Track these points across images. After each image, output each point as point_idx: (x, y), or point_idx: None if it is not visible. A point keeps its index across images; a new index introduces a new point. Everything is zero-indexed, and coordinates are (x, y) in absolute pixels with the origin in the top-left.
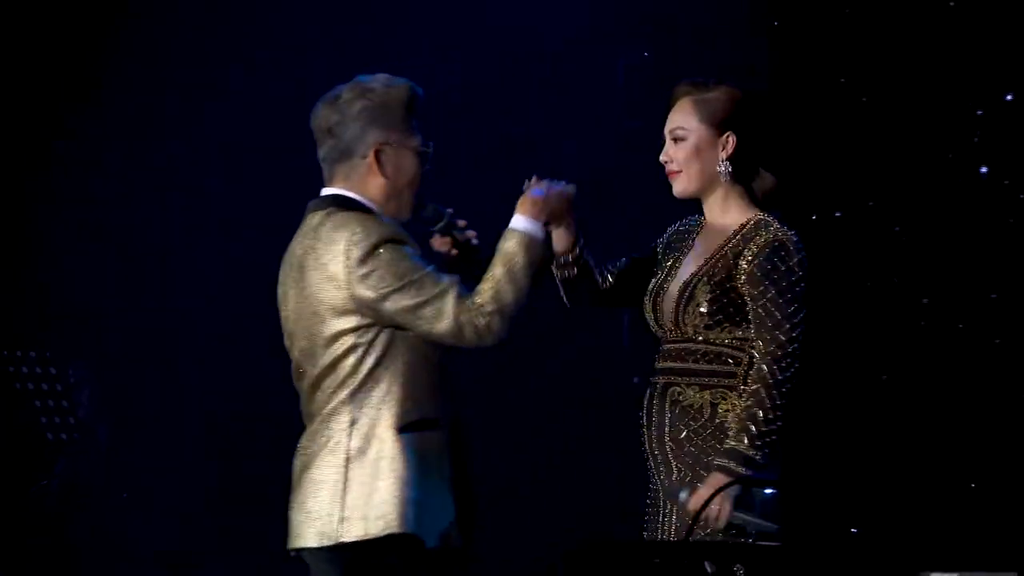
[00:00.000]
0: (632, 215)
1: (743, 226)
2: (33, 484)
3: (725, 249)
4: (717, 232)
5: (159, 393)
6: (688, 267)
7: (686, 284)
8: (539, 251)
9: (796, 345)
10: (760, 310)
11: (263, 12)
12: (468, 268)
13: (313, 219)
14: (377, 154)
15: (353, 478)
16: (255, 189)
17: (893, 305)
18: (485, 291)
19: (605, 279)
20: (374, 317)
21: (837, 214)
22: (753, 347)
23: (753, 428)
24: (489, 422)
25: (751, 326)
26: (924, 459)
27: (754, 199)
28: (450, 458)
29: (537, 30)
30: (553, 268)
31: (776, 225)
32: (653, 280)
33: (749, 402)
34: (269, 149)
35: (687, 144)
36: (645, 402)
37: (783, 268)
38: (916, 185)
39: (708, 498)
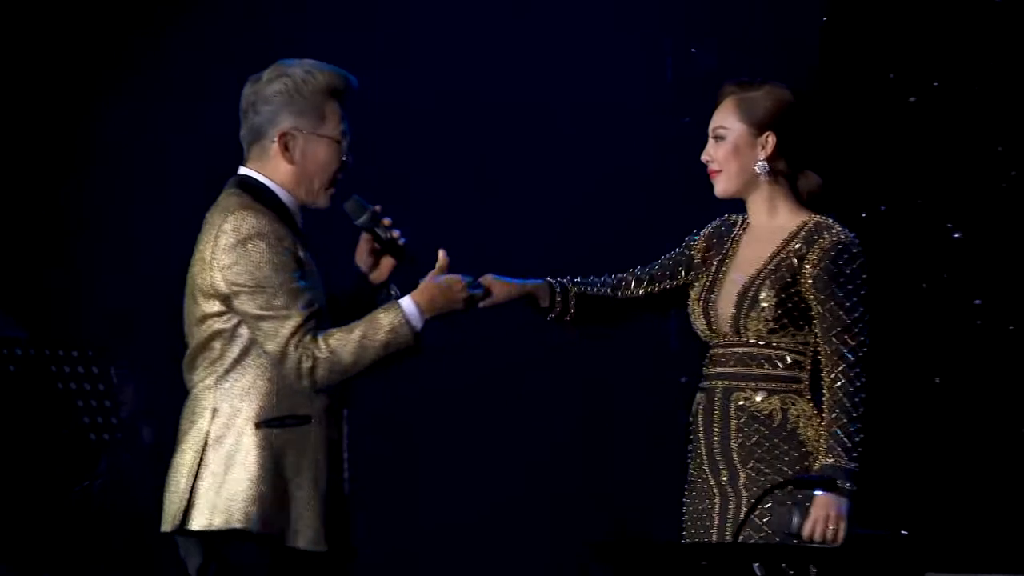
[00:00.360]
0: (681, 213)
1: (800, 228)
2: (76, 484)
3: (786, 251)
4: (768, 233)
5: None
6: (742, 270)
7: (746, 288)
8: (405, 338)
9: (865, 349)
10: (828, 314)
11: (310, 13)
12: (403, 271)
13: (220, 195)
14: (284, 139)
15: (207, 466)
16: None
17: (945, 306)
18: (332, 339)
19: (633, 289)
20: (230, 309)
21: (882, 208)
22: (818, 351)
23: (847, 441)
24: (536, 423)
25: (814, 330)
26: (977, 461)
27: (801, 200)
28: (322, 457)
29: (585, 26)
30: (552, 321)
31: (838, 227)
32: (699, 284)
33: (834, 414)
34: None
35: (726, 143)
36: (700, 407)
37: (848, 271)
38: (967, 182)
39: (825, 521)
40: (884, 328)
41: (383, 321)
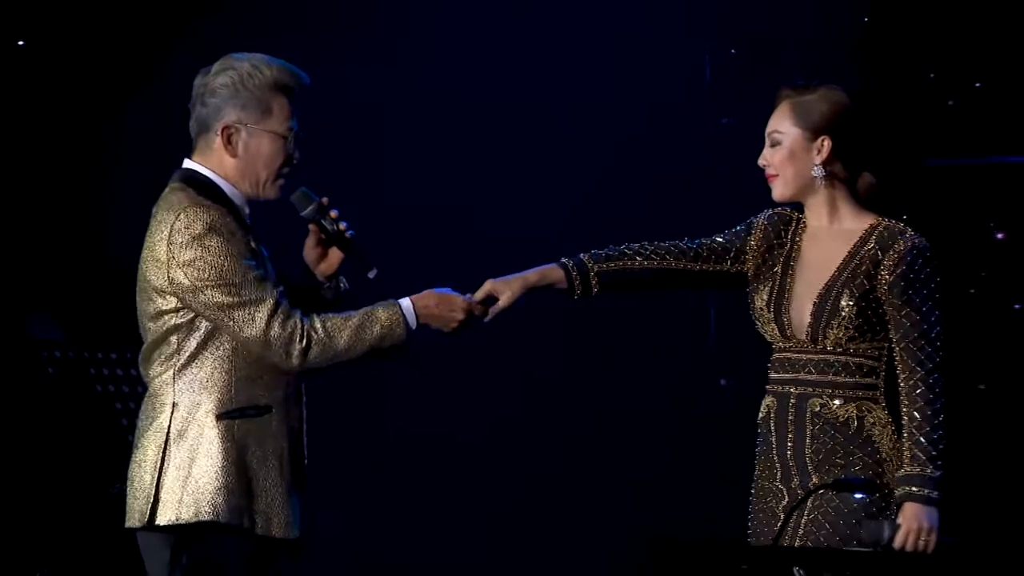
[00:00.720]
0: (721, 213)
1: (870, 232)
2: (113, 486)
3: (860, 257)
4: (833, 237)
5: None
6: (814, 275)
7: (823, 295)
8: (398, 337)
9: (941, 354)
10: (905, 320)
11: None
12: (350, 263)
13: (166, 190)
14: (227, 132)
15: (170, 461)
16: (332, 185)
17: (987, 310)
18: (329, 323)
19: (675, 262)
20: (187, 306)
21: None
22: (896, 357)
23: (931, 449)
24: (572, 422)
25: (889, 336)
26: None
27: (860, 201)
28: (284, 445)
29: (624, 28)
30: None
31: (910, 231)
32: (765, 288)
33: (916, 422)
34: (340, 152)
35: (782, 148)
36: (770, 411)
37: (923, 276)
38: (1011, 184)
39: (918, 532)
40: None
41: (380, 315)
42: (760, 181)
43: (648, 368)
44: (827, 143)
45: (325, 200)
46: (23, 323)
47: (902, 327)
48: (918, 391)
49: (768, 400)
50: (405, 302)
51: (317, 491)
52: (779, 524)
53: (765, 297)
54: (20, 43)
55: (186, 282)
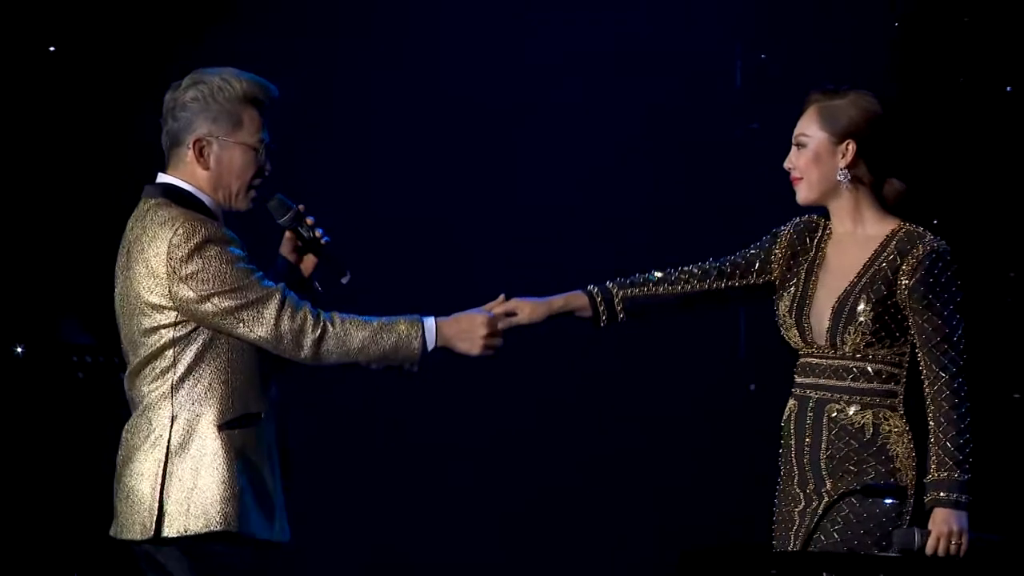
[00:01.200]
0: (751, 218)
1: (891, 237)
2: None
3: (880, 262)
4: (856, 242)
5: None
6: (835, 280)
7: (842, 300)
8: (410, 352)
9: (964, 358)
10: (926, 324)
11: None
12: (324, 268)
13: (144, 205)
14: (199, 144)
15: (173, 473)
16: (352, 191)
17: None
18: (348, 322)
19: (697, 283)
20: (192, 317)
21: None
22: (920, 363)
23: (957, 454)
24: (602, 429)
25: (910, 341)
26: None
27: (886, 206)
28: (276, 451)
29: (654, 31)
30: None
31: (930, 236)
32: (789, 294)
33: (942, 427)
34: (371, 155)
35: (807, 151)
36: (792, 414)
37: (943, 280)
38: None
39: (948, 536)
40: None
41: (401, 326)
42: (789, 186)
43: (677, 374)
44: (852, 147)
45: (301, 207)
46: (54, 327)
47: (924, 332)
48: (943, 396)
49: (791, 403)
50: (429, 320)
51: (333, 499)
52: (795, 528)
53: (788, 303)
54: (51, 48)
55: (191, 294)
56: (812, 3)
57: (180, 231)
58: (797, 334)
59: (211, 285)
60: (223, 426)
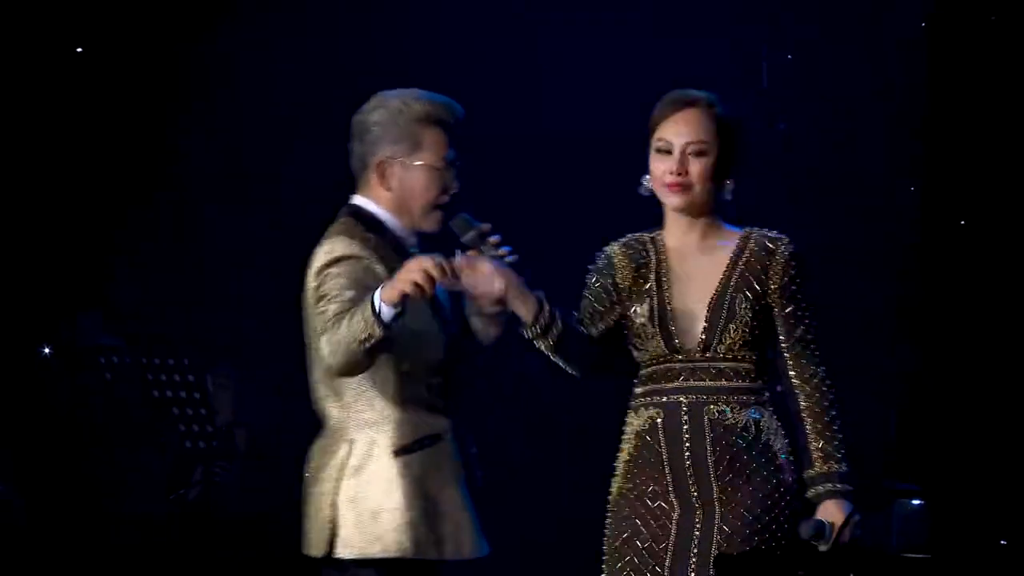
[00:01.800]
0: (776, 219)
1: (745, 239)
2: (171, 492)
3: (742, 264)
4: (705, 249)
5: (297, 399)
6: (697, 286)
7: (717, 302)
8: (370, 323)
9: (823, 350)
10: (796, 324)
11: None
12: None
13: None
14: (381, 167)
15: (350, 496)
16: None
17: None
18: (342, 320)
19: (590, 329)
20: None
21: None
22: (789, 362)
23: (840, 447)
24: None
25: (778, 339)
26: None
27: (726, 213)
28: (461, 466)
29: (680, 32)
30: (536, 343)
31: (785, 237)
32: (646, 306)
33: (824, 423)
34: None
35: (707, 161)
36: (659, 423)
37: (806, 279)
38: None
39: (845, 523)
40: (983, 338)
41: (363, 305)
42: (815, 185)
43: None
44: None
45: (486, 227)
46: (82, 329)
47: (794, 332)
48: (819, 393)
49: (651, 412)
50: (376, 292)
51: None
52: (671, 539)
53: (646, 314)
54: (79, 50)
55: (309, 308)
56: (838, 4)
57: (326, 247)
58: (662, 342)
59: (318, 303)
60: (399, 451)
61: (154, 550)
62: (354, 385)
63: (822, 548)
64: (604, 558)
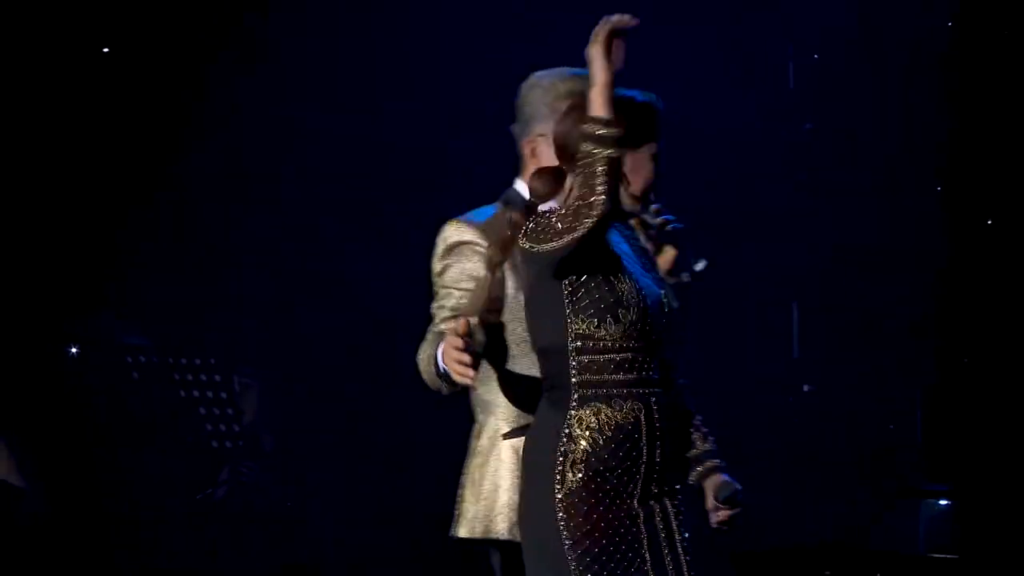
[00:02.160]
0: (804, 217)
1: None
2: (198, 491)
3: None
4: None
5: (324, 400)
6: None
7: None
8: (434, 365)
9: None
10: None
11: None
12: (678, 256)
13: None
14: (531, 146)
15: (471, 478)
16: (416, 196)
17: None
18: (427, 342)
19: None
20: None
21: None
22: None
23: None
24: None
25: None
26: None
27: None
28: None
29: (708, 32)
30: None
31: None
32: (625, 285)
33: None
34: (427, 159)
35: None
36: (643, 416)
37: None
38: None
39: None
40: (1019, 338)
41: (429, 351)
42: (845, 185)
43: (731, 374)
44: None
45: (658, 206)
46: (109, 328)
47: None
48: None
49: (631, 404)
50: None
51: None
52: (645, 542)
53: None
54: (104, 50)
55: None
56: (864, 4)
57: (443, 230)
58: (640, 323)
59: (435, 293)
60: (508, 435)
61: (178, 550)
62: (484, 368)
63: (734, 512)
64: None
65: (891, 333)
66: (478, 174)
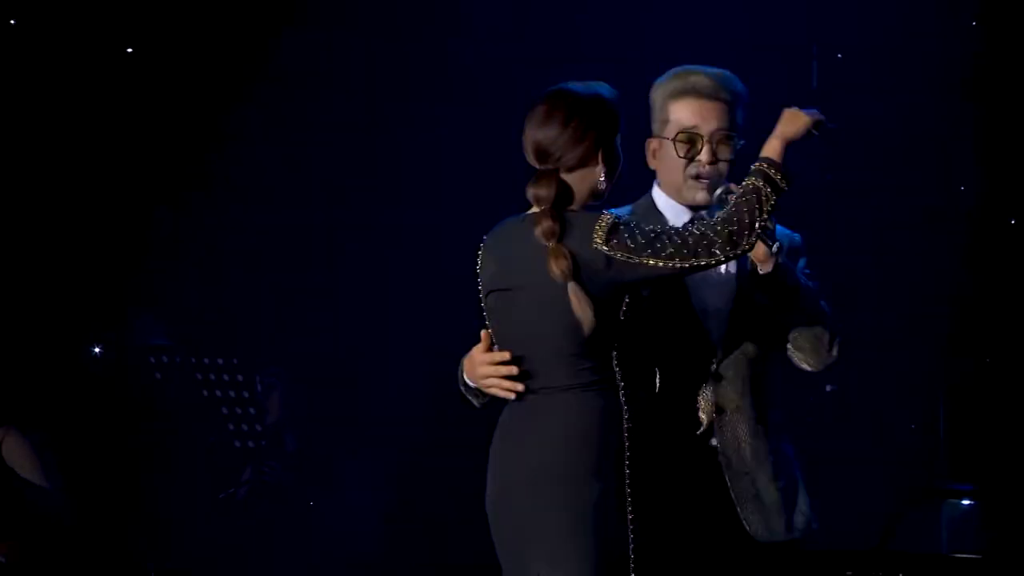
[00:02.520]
0: (826, 218)
1: None
2: (221, 491)
3: None
4: None
5: (348, 399)
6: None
7: None
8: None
9: None
10: None
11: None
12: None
13: None
14: (649, 146)
15: None
16: (438, 194)
17: None
18: None
19: None
20: None
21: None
22: None
23: None
24: None
25: None
26: None
27: None
28: None
29: (730, 31)
30: None
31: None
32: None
33: None
34: (448, 158)
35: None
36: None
37: None
38: None
39: None
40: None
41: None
42: (866, 187)
43: None
44: None
45: (731, 185)
46: (132, 328)
47: None
48: None
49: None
50: None
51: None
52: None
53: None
54: (128, 50)
55: None
56: (888, 3)
57: None
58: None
59: None
60: None
61: (201, 549)
62: None
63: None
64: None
65: (913, 332)
66: (489, 175)
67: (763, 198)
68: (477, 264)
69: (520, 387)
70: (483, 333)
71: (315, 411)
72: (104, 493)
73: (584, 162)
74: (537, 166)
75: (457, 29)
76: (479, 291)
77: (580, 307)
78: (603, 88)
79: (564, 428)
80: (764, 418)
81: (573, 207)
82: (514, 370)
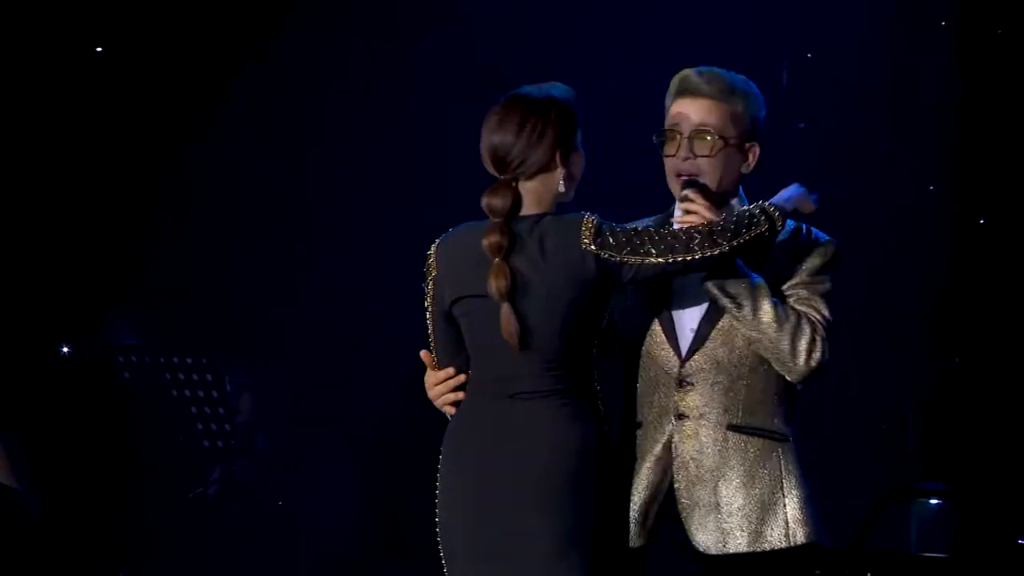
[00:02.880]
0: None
1: None
2: (190, 491)
3: None
4: None
5: (318, 399)
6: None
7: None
8: None
9: None
10: None
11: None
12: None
13: None
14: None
15: None
16: (423, 192)
17: None
18: None
19: None
20: None
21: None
22: None
23: None
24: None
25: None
26: None
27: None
28: None
29: (701, 31)
30: None
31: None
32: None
33: None
34: (434, 157)
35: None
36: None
37: None
38: None
39: None
40: (1015, 337)
41: None
42: (837, 186)
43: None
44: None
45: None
46: (100, 328)
47: None
48: None
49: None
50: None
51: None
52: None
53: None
54: (98, 49)
55: None
56: (858, 3)
57: None
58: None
59: None
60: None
61: (171, 548)
62: None
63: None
64: None
65: (882, 331)
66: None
67: (756, 223)
68: (427, 267)
69: (460, 395)
70: (423, 354)
71: (288, 411)
72: (73, 493)
73: (544, 167)
74: (496, 175)
75: (457, 29)
76: (425, 294)
77: (508, 328)
78: (557, 89)
79: (546, 434)
80: (740, 426)
81: (545, 212)
82: (462, 379)
